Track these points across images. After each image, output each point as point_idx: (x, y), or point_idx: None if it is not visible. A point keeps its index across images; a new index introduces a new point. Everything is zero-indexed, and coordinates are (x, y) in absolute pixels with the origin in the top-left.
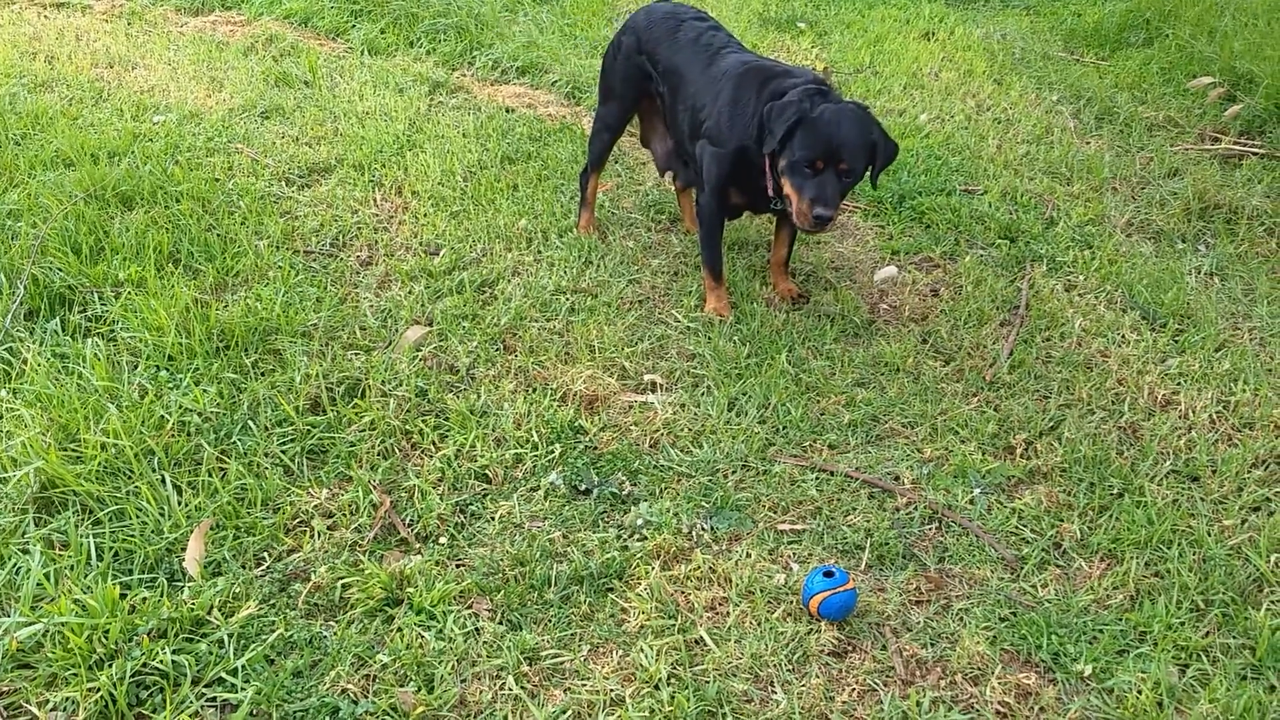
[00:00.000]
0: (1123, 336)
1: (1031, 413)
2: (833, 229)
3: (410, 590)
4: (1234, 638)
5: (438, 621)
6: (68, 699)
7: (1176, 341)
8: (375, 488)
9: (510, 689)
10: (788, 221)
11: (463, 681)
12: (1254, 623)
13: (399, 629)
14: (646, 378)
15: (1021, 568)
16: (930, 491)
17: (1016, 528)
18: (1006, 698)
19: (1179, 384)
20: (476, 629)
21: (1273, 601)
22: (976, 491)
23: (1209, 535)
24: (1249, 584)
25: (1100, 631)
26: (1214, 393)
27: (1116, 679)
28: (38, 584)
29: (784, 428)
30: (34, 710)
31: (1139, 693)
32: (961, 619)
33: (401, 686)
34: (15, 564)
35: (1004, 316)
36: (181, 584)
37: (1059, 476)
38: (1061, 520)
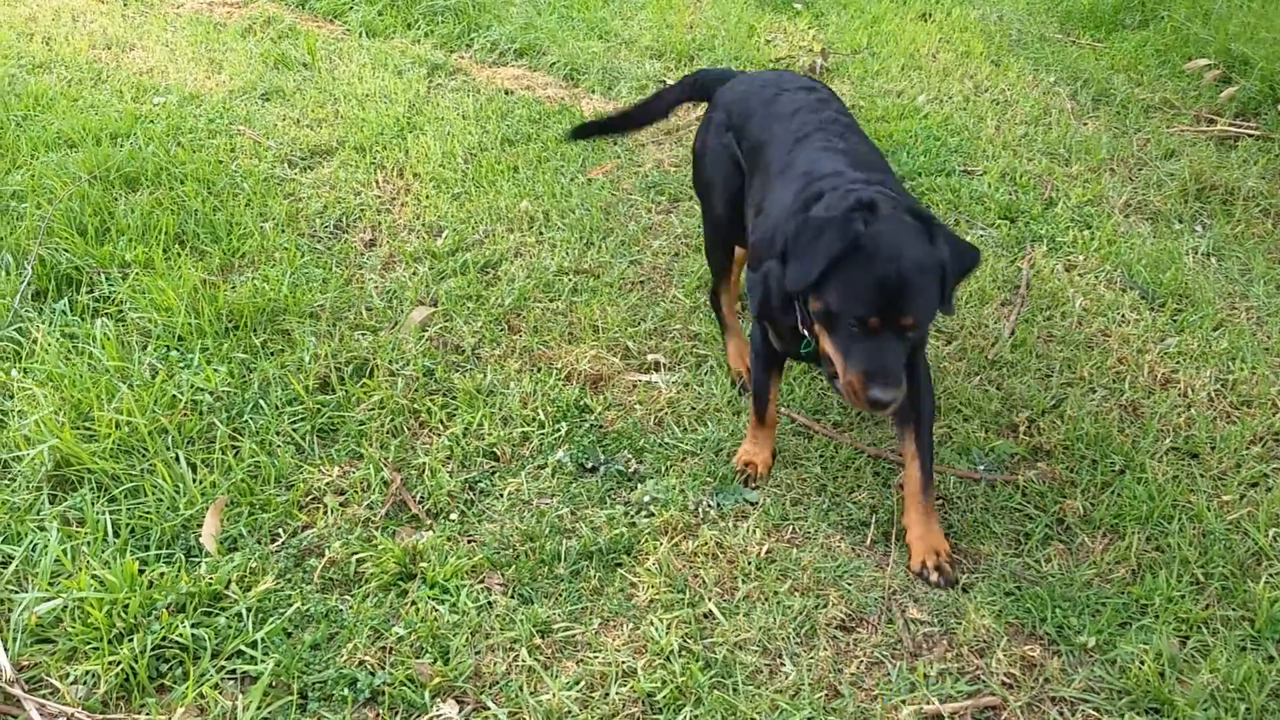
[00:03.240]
0: (1122, 316)
1: (1034, 391)
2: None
3: (423, 565)
4: (1233, 610)
5: (451, 595)
6: (88, 672)
7: (1175, 321)
8: (386, 465)
9: (524, 660)
10: (908, 397)
11: (477, 653)
12: (1253, 595)
13: (413, 602)
14: (650, 357)
15: (1024, 543)
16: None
17: (1020, 504)
18: (1013, 669)
19: (1178, 362)
20: (489, 602)
21: (1271, 575)
22: (981, 468)
23: (1209, 510)
24: (1248, 558)
25: (1103, 605)
26: (1212, 371)
27: (1119, 650)
28: (55, 560)
29: (788, 406)
30: (55, 683)
31: (1141, 664)
32: (967, 593)
33: (418, 658)
34: (32, 541)
35: (1005, 296)
36: (199, 559)
37: (1062, 454)
38: (1065, 496)
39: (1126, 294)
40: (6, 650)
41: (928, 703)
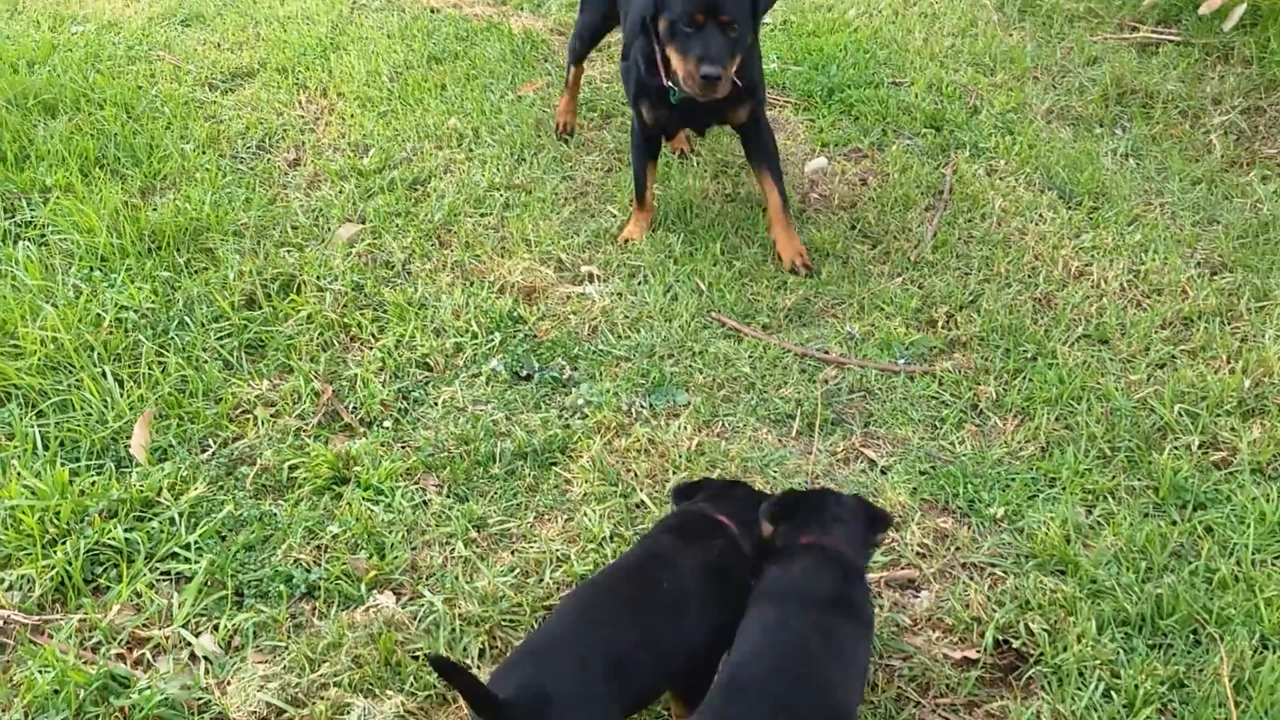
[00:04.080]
0: (1040, 215)
1: (953, 288)
2: (724, 92)
3: (357, 469)
4: (1138, 480)
5: (386, 497)
6: (23, 576)
7: (1091, 218)
8: (316, 377)
9: (460, 553)
10: (757, 149)
11: (413, 549)
12: (1157, 465)
13: (348, 504)
14: (584, 269)
15: (939, 427)
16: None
17: (937, 392)
18: (926, 540)
19: (1092, 256)
20: (424, 502)
21: (1174, 447)
22: (901, 362)
23: (1117, 390)
24: (1153, 432)
25: (1013, 479)
26: (1125, 263)
27: (1027, 519)
28: None
29: (719, 311)
30: None
31: (1047, 530)
32: (885, 474)
33: (353, 554)
34: None
35: (929, 201)
36: (129, 470)
37: (977, 345)
38: (978, 384)
39: (1045, 195)
40: None
41: None
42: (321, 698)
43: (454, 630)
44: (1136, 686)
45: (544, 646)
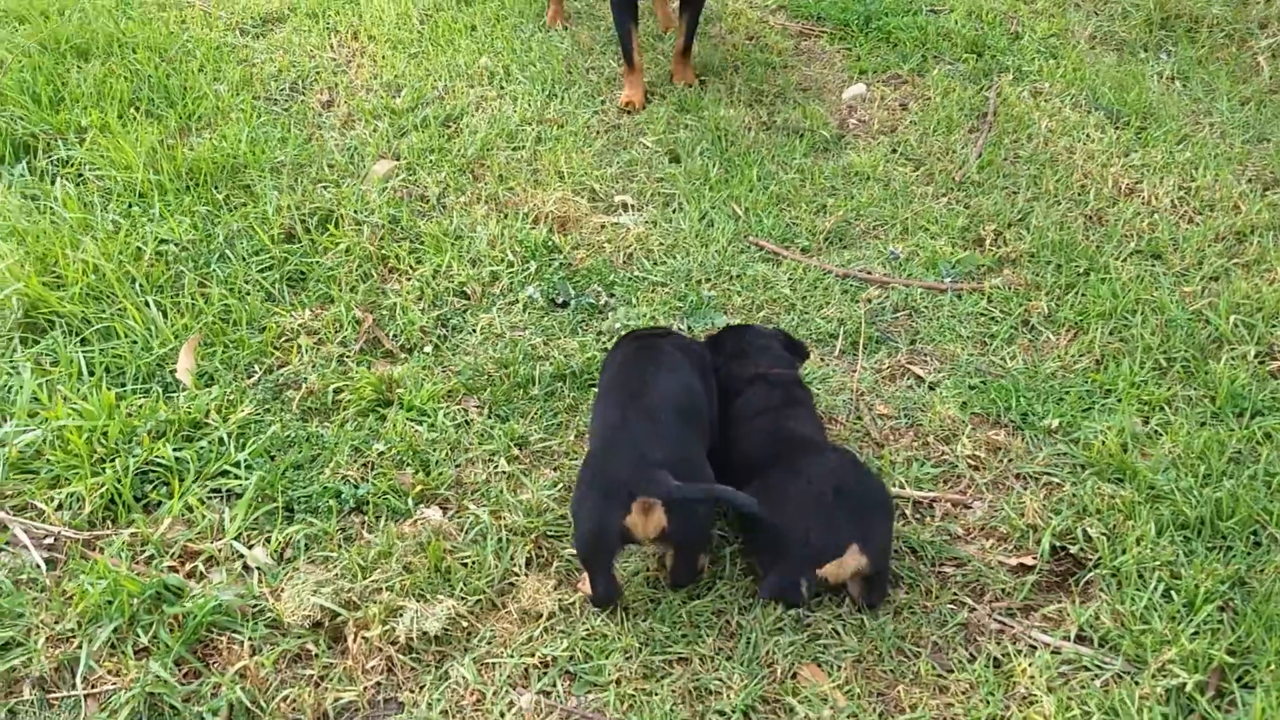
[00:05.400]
0: (1088, 135)
1: (1000, 206)
2: None
3: (400, 391)
4: (1195, 390)
5: (429, 417)
6: (72, 495)
7: (1139, 137)
8: (357, 306)
9: (503, 469)
10: (689, 8)
11: (457, 466)
12: (1214, 375)
13: (392, 424)
14: (617, 199)
15: (989, 343)
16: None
17: (985, 309)
18: (978, 452)
19: (1142, 174)
20: (466, 422)
21: (1231, 357)
22: (948, 280)
23: (1171, 303)
24: (1209, 343)
25: (1067, 392)
26: (1175, 180)
27: (1082, 431)
28: (32, 398)
29: (756, 235)
30: (42, 506)
31: (1104, 440)
32: (934, 390)
33: (399, 470)
34: (7, 383)
35: (972, 124)
36: (176, 394)
37: (1027, 262)
38: (1029, 299)
39: (1091, 115)
40: None
41: (894, 485)
42: (374, 601)
43: (501, 540)
44: (1197, 586)
45: (619, 425)
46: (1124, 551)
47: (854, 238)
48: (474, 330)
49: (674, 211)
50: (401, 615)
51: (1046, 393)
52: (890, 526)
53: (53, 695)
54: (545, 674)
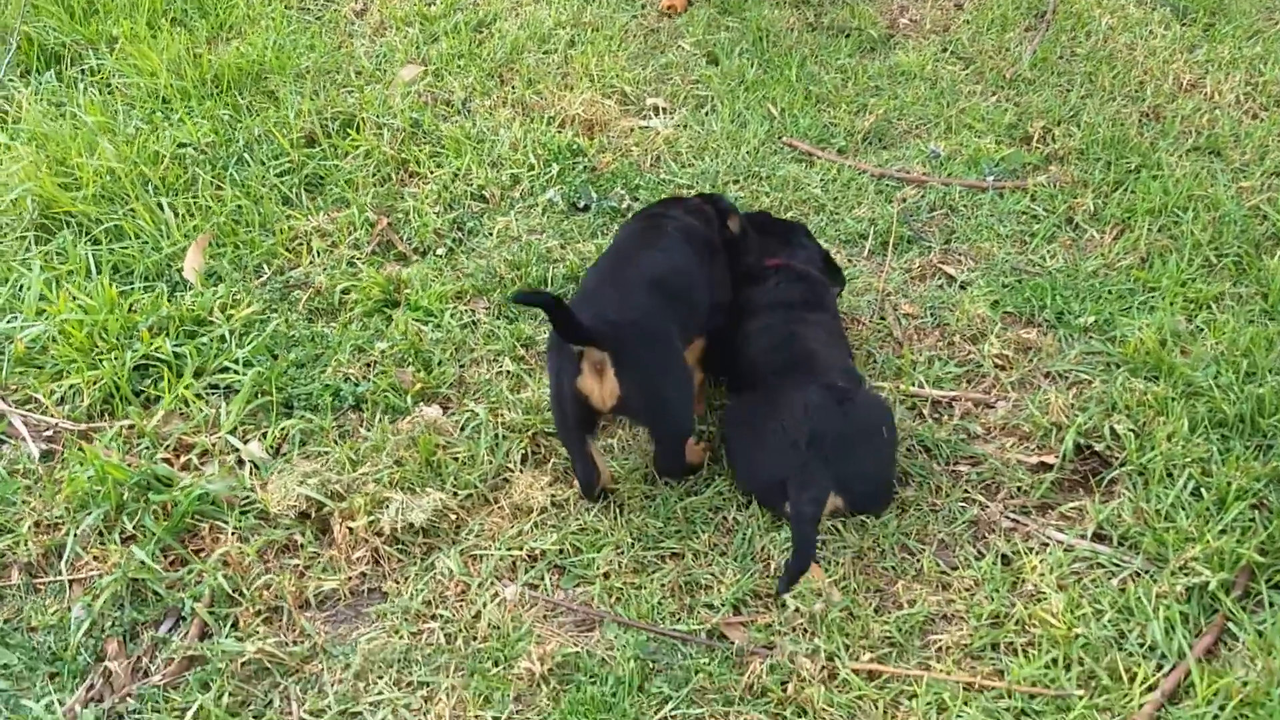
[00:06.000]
0: (1150, 31)
1: (1051, 104)
2: None
3: (407, 292)
4: (1245, 287)
5: (435, 317)
6: (72, 387)
7: (1207, 33)
8: (371, 209)
9: (507, 369)
10: None
11: (461, 366)
12: (1267, 271)
13: (397, 324)
14: (649, 102)
15: (1029, 241)
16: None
17: (1028, 207)
18: (1006, 351)
19: (1205, 69)
20: (473, 323)
21: None
22: (990, 178)
23: (1227, 198)
24: (1264, 239)
25: (1108, 291)
26: (1242, 75)
27: (1120, 329)
28: (40, 296)
29: (790, 135)
30: (41, 399)
31: (1142, 337)
32: (965, 289)
33: (400, 369)
34: (18, 279)
35: (1029, 22)
36: (183, 293)
37: (1075, 159)
38: (1075, 197)
39: (1156, 11)
40: None
41: (914, 384)
42: (361, 492)
43: (496, 435)
44: (1229, 483)
45: (592, 291)
46: (1153, 448)
47: (894, 138)
48: (490, 234)
49: (707, 113)
50: (387, 507)
51: (1085, 291)
52: (883, 450)
53: (39, 580)
54: (533, 567)
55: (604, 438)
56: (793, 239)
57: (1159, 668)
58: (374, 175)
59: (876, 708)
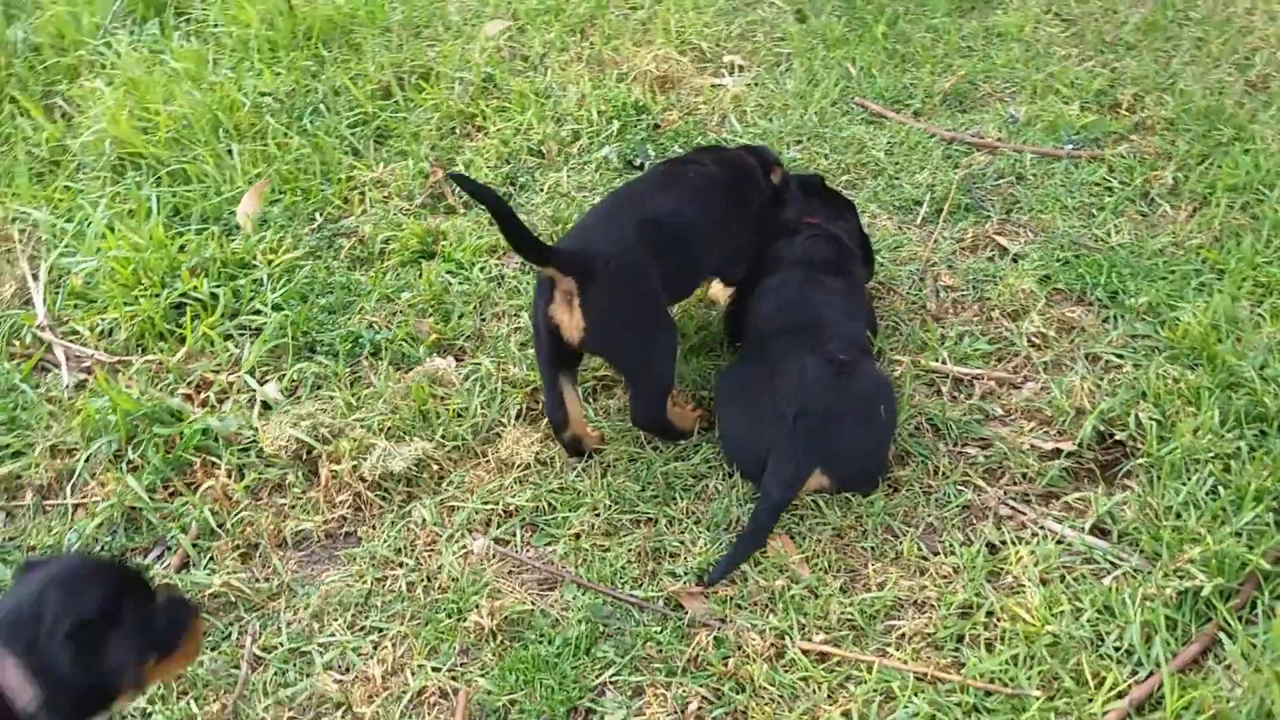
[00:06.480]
0: None
1: (1148, 69)
2: None
3: (443, 244)
4: None
5: (465, 270)
6: (111, 320)
7: None
8: (429, 161)
9: (524, 323)
10: None
11: (482, 320)
12: None
13: (424, 275)
14: (726, 58)
15: (1096, 215)
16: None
17: (1103, 178)
18: (1046, 330)
19: None
20: (500, 277)
21: None
22: (1067, 146)
23: None
24: None
25: (1171, 271)
26: None
27: (1174, 311)
28: (101, 234)
29: (863, 96)
30: (81, 329)
31: (1194, 321)
32: (1016, 261)
33: (420, 319)
34: (85, 216)
35: None
36: (235, 237)
37: (1163, 129)
38: (1155, 169)
39: None
40: (45, 303)
41: (937, 360)
42: (348, 437)
43: (495, 390)
44: (1250, 483)
45: (585, 223)
46: (1174, 440)
47: (975, 100)
48: (541, 189)
49: (783, 72)
50: (371, 453)
51: (1146, 270)
52: (879, 430)
53: (49, 502)
54: (506, 523)
55: (603, 398)
56: (836, 210)
57: (1133, 674)
58: (439, 128)
59: (820, 690)
